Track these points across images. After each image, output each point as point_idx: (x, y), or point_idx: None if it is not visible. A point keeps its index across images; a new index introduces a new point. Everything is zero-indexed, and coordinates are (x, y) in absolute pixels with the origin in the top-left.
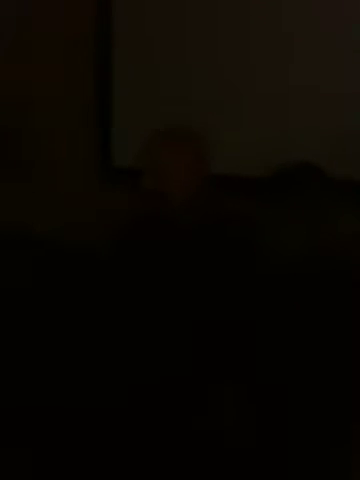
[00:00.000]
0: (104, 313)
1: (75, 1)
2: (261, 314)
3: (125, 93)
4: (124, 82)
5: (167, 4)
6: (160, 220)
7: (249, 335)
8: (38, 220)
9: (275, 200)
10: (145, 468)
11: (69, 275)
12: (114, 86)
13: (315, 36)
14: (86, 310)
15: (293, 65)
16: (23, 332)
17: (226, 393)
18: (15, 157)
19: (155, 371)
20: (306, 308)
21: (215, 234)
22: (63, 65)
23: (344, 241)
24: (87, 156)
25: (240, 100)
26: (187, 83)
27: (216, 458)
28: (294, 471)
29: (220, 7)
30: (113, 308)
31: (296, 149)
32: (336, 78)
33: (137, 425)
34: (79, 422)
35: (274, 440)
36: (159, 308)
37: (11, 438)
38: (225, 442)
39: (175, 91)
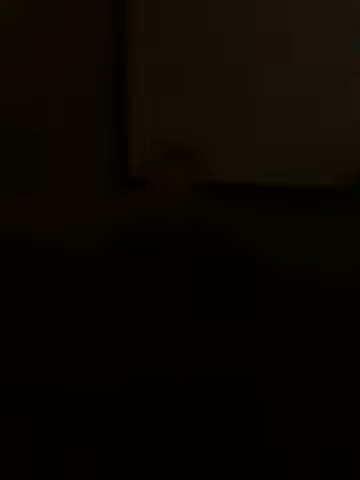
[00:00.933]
0: (104, 313)
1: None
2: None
3: (141, 102)
4: (140, 92)
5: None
6: (157, 221)
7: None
8: (50, 225)
9: None
10: (145, 466)
11: (75, 279)
12: (130, 94)
13: (318, 39)
14: (89, 309)
15: (297, 70)
16: (27, 332)
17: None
18: (30, 161)
19: (153, 368)
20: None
21: (206, 237)
22: (79, 72)
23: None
24: (103, 164)
25: (258, 105)
26: (203, 91)
27: (216, 455)
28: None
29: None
30: (112, 306)
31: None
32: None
33: (136, 422)
34: (79, 421)
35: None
36: (155, 306)
37: (11, 439)
38: (225, 439)
39: (190, 99)
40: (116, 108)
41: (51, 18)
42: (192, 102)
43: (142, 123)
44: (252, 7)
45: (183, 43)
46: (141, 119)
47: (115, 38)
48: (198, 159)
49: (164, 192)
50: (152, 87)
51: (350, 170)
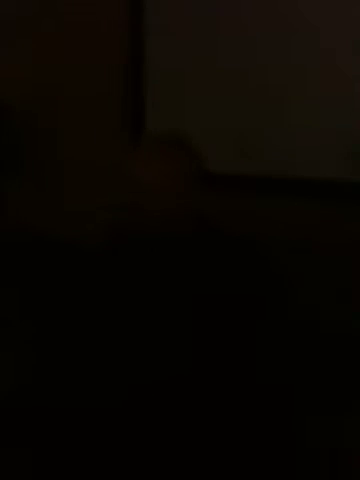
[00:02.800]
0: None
1: None
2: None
3: (157, 102)
4: (156, 92)
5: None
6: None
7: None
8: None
9: None
10: (144, 468)
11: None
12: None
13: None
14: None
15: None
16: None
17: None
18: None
19: (156, 370)
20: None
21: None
22: (95, 71)
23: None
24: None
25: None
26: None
27: (217, 457)
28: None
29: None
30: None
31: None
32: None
33: (137, 425)
34: (77, 422)
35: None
36: (161, 305)
37: (11, 438)
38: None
39: (207, 99)
40: (132, 107)
41: (65, 16)
42: (208, 102)
43: (158, 123)
44: (271, 9)
45: (200, 43)
46: (157, 119)
47: (131, 37)
48: (195, 149)
49: (156, 186)
50: (169, 86)
51: None
